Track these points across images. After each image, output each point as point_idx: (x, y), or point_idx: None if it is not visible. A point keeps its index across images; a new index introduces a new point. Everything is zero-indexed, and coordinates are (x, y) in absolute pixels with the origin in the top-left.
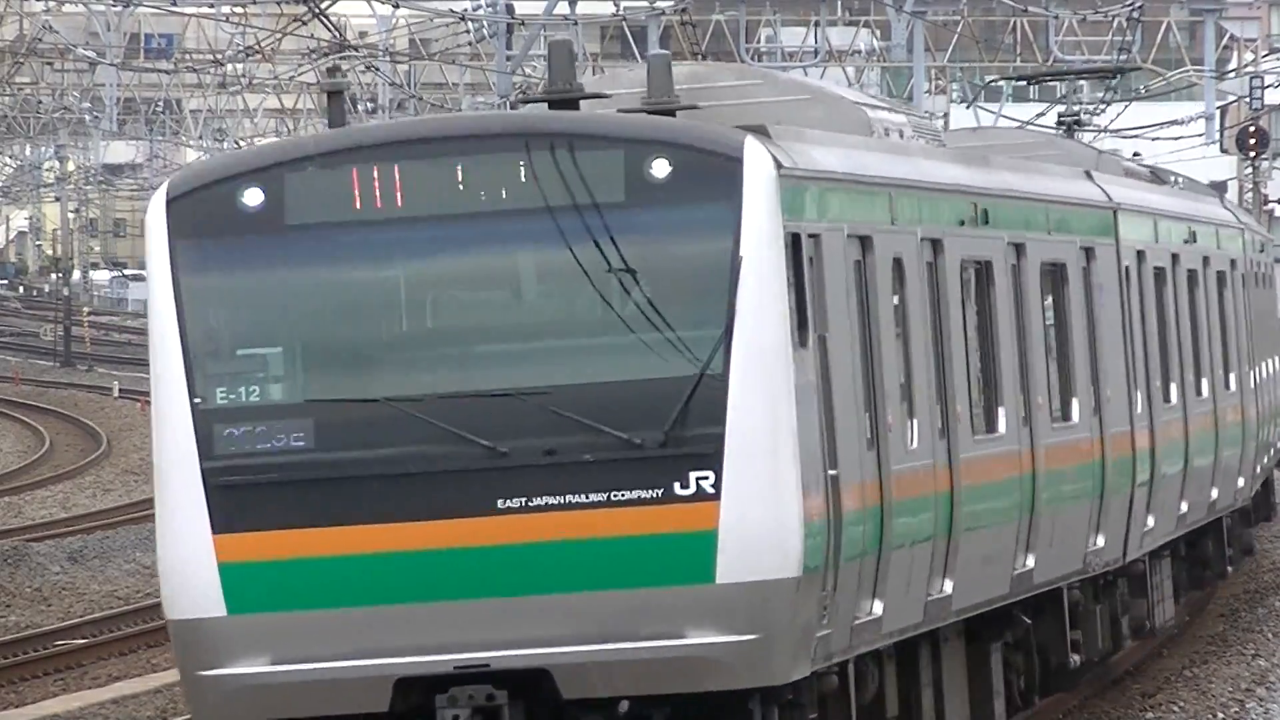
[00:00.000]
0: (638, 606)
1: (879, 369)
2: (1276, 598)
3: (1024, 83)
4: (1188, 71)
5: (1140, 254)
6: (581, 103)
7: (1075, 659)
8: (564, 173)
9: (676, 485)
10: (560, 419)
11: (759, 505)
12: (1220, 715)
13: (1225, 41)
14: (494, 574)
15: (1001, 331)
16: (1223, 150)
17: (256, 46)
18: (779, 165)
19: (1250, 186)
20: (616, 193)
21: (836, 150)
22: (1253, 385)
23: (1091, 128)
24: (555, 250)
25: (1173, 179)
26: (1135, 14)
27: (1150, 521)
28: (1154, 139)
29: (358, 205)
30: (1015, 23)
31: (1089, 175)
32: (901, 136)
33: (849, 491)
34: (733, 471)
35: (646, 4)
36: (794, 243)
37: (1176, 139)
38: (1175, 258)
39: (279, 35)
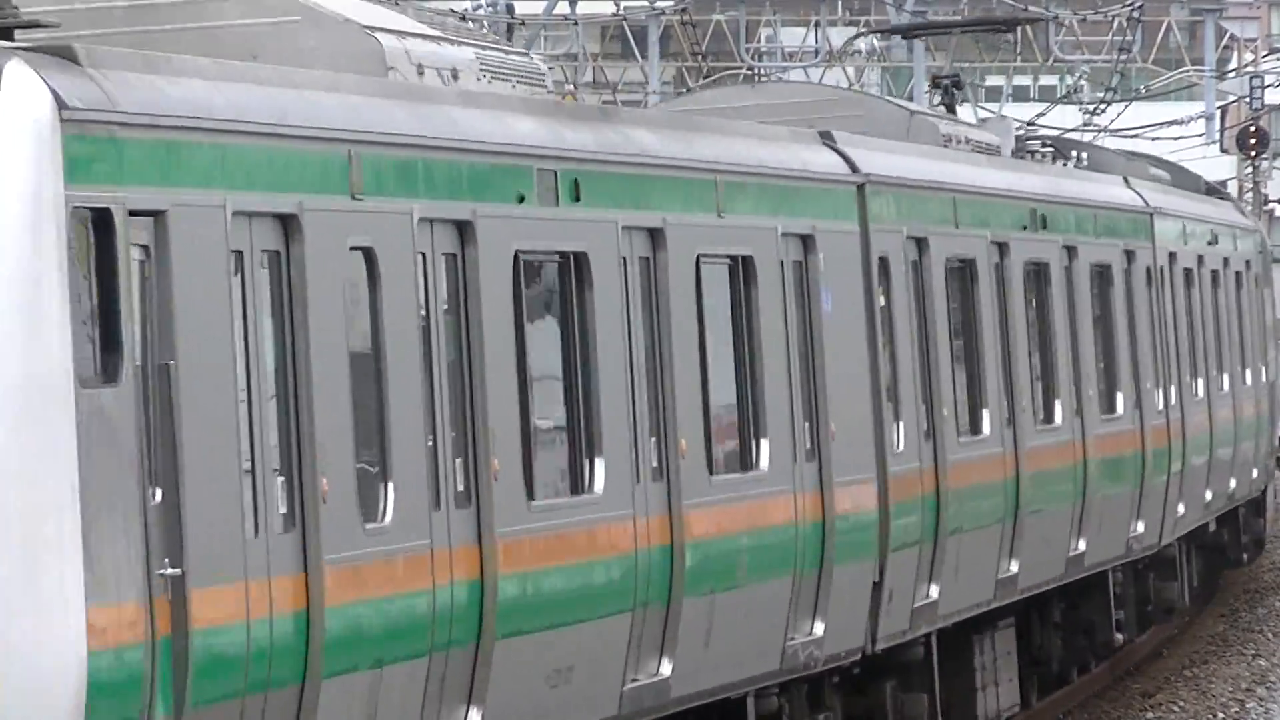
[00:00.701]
0: None
1: (309, 409)
2: (1276, 598)
3: (896, 36)
4: (1188, 71)
5: (920, 243)
6: None
7: None
8: None
9: None
10: None
11: (9, 628)
12: (1220, 715)
13: (1225, 41)
14: None
15: (603, 350)
16: (1223, 150)
17: None
18: (63, 105)
19: (1250, 186)
20: None
21: (239, 87)
22: (1164, 406)
23: (1092, 127)
24: None
25: (1075, 153)
26: (1135, 14)
27: (932, 592)
28: (1154, 139)
29: None
30: None
31: (828, 139)
32: (456, 78)
33: (215, 597)
34: None
35: (646, 4)
36: (100, 223)
37: (1177, 139)
38: (1002, 248)
39: None
